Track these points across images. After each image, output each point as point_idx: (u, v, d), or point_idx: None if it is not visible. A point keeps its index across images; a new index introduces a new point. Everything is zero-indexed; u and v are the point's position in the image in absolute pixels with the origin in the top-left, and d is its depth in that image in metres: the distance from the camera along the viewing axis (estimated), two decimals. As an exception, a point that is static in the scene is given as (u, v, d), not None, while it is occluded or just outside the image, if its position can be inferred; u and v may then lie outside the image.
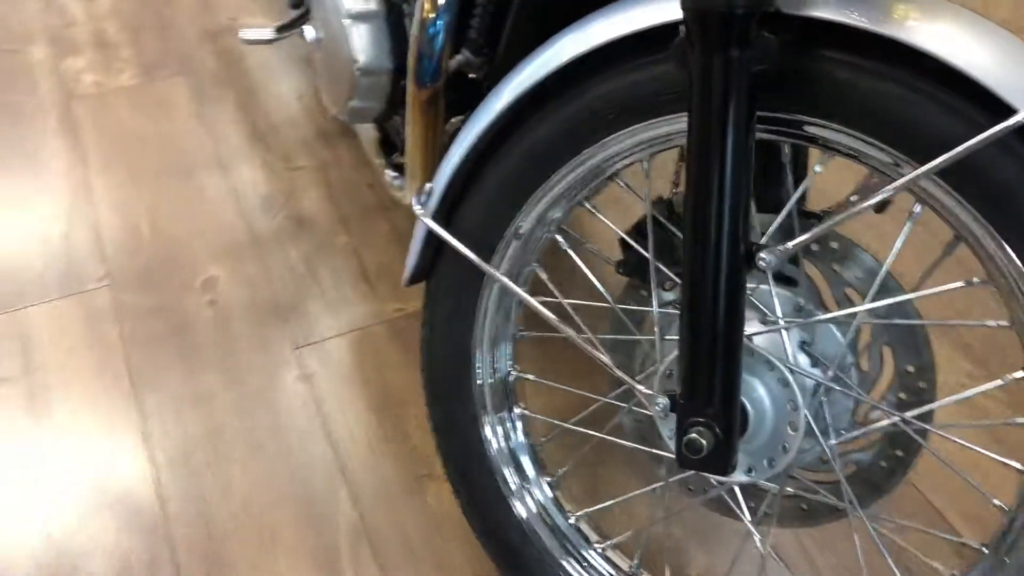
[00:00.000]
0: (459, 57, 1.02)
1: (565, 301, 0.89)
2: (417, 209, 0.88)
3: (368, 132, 1.33)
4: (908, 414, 0.76)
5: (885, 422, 0.78)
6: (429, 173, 1.03)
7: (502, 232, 0.87)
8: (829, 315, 0.79)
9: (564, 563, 0.94)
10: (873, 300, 0.77)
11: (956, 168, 0.64)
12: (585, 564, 0.95)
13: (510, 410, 0.96)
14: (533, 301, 0.83)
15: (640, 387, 0.78)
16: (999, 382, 0.72)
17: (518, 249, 0.88)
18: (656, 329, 0.84)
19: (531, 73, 0.81)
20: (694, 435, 0.72)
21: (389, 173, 1.27)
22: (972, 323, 0.73)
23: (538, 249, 0.90)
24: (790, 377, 0.76)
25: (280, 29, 1.37)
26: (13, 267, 1.45)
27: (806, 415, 0.77)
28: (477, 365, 0.93)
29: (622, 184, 0.85)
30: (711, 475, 0.82)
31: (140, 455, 1.19)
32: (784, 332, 0.79)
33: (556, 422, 0.95)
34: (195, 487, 1.15)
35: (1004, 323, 0.70)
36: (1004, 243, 0.65)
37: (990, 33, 0.64)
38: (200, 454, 1.19)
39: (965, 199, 0.66)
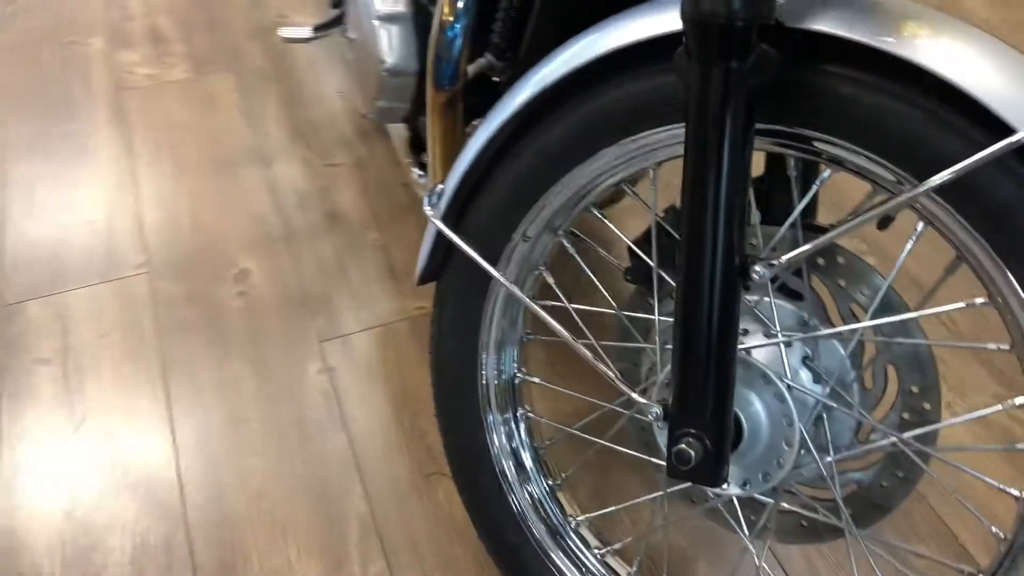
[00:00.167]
0: (481, 60, 1.03)
1: (571, 306, 0.89)
2: (427, 210, 0.89)
3: (399, 131, 1.35)
4: (906, 435, 0.75)
5: (882, 442, 0.77)
6: (447, 175, 1.04)
7: (510, 235, 0.87)
8: (828, 331, 0.78)
9: (563, 567, 0.95)
10: (874, 317, 0.76)
11: (955, 187, 0.63)
12: (584, 569, 0.95)
13: (515, 412, 0.97)
14: (534, 305, 0.83)
15: (635, 395, 0.78)
16: (999, 407, 0.70)
17: (525, 253, 0.88)
18: (657, 337, 0.84)
19: (543, 77, 0.81)
20: (683, 445, 0.72)
21: (416, 171, 1.29)
22: (972, 345, 0.72)
23: (546, 254, 0.91)
24: (786, 392, 0.76)
25: (318, 28, 1.40)
26: (57, 252, 1.51)
27: (802, 431, 0.76)
28: (483, 366, 0.94)
29: (629, 191, 0.85)
30: (701, 486, 0.82)
31: (164, 439, 1.23)
32: (783, 346, 0.78)
33: (559, 426, 0.96)
34: (214, 473, 1.19)
35: (1004, 346, 0.68)
36: (1002, 264, 0.64)
37: (994, 50, 0.62)
38: (221, 441, 1.22)
39: (964, 218, 0.65)
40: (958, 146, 0.63)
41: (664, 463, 0.86)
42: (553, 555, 0.94)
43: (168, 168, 1.67)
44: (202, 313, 1.40)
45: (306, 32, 1.42)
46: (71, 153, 1.72)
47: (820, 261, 0.81)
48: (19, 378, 1.31)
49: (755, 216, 0.83)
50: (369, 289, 1.44)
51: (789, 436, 0.77)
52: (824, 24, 0.65)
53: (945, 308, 0.71)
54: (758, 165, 0.84)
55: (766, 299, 0.81)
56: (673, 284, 0.84)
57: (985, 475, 0.76)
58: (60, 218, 1.57)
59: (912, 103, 0.64)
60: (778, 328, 0.79)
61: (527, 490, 0.96)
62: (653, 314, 0.90)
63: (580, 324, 0.88)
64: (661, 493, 0.89)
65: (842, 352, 0.80)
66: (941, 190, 0.64)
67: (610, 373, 0.81)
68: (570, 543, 0.95)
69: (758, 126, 0.71)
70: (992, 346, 0.69)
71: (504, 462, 0.95)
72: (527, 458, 0.97)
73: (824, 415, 0.80)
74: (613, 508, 0.96)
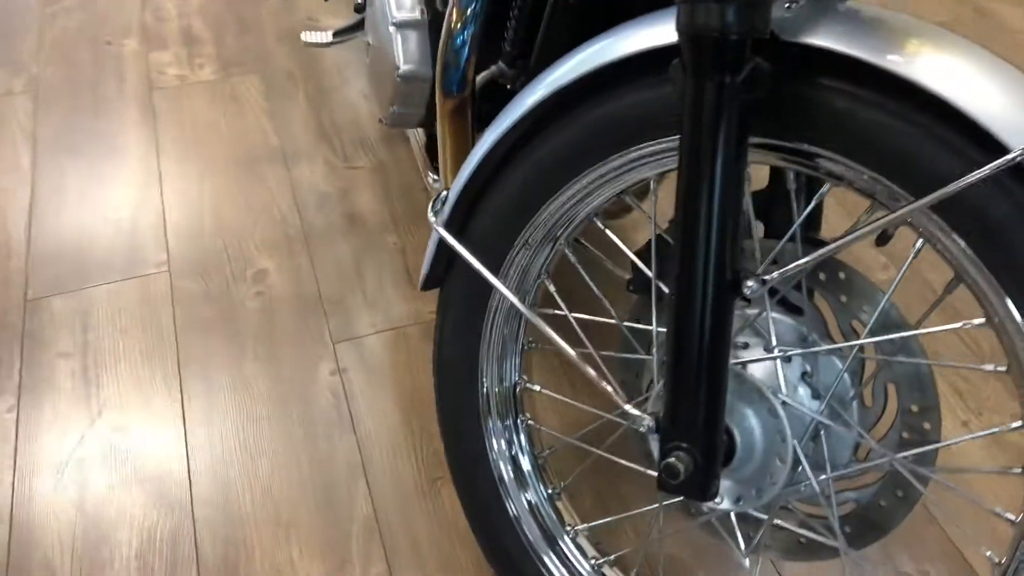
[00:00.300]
0: (493, 68, 1.04)
1: (572, 316, 0.89)
2: (431, 216, 0.89)
3: (417, 136, 1.36)
4: (900, 455, 0.74)
5: (878, 461, 0.75)
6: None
7: (512, 243, 0.87)
8: (824, 347, 0.77)
9: (557, 575, 0.95)
10: (873, 334, 0.75)
11: (951, 205, 0.63)
12: (580, 578, 0.95)
13: (515, 419, 0.97)
14: (531, 313, 0.83)
15: (628, 406, 0.78)
16: (995, 430, 0.69)
17: (527, 261, 0.89)
18: (655, 350, 0.84)
19: (545, 87, 0.81)
20: (672, 459, 0.71)
21: (431, 176, 1.29)
22: (969, 366, 0.71)
23: (550, 262, 0.91)
24: (779, 408, 0.75)
25: (338, 33, 1.41)
26: (82, 248, 1.54)
27: (795, 448, 0.75)
28: (484, 373, 0.94)
29: (631, 202, 0.85)
30: (691, 500, 0.81)
31: (177, 435, 1.25)
32: (780, 361, 0.78)
33: (557, 435, 0.95)
34: (223, 470, 1.20)
35: (1001, 368, 0.67)
36: (997, 284, 0.63)
37: (992, 68, 0.62)
38: (232, 438, 1.24)
39: (960, 237, 0.64)
40: (954, 164, 0.62)
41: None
42: (548, 563, 0.94)
43: (193, 167, 1.70)
44: (219, 312, 1.42)
45: (326, 37, 1.43)
46: (101, 151, 1.75)
47: (821, 276, 0.80)
48: (40, 371, 1.34)
49: (758, 229, 0.83)
50: (384, 292, 1.45)
51: (783, 452, 0.76)
52: (820, 39, 0.64)
53: (942, 328, 0.70)
54: (762, 178, 0.84)
55: (766, 313, 0.80)
56: (674, 296, 0.83)
57: (994, 496, 0.75)
58: (87, 215, 1.60)
59: (908, 119, 0.63)
60: (775, 342, 0.78)
61: (525, 497, 0.96)
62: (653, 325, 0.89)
63: (580, 334, 0.87)
64: (657, 505, 0.89)
65: (840, 369, 0.79)
66: (937, 208, 0.63)
67: (603, 383, 0.80)
68: (566, 551, 0.95)
69: (757, 139, 0.70)
70: (989, 367, 0.68)
71: (503, 468, 0.96)
72: (526, 465, 0.97)
73: (823, 432, 0.79)
74: (610, 519, 0.95)
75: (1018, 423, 0.68)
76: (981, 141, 0.60)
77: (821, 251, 0.69)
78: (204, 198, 1.63)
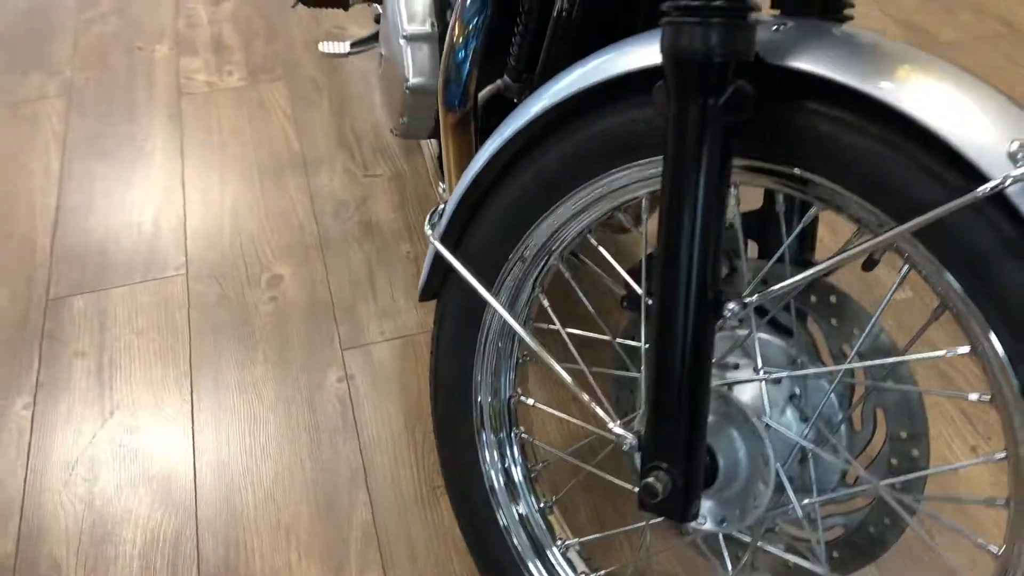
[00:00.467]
0: (499, 82, 1.04)
1: (565, 331, 0.89)
2: (427, 229, 0.90)
3: (431, 146, 1.37)
4: (884, 482, 0.73)
5: (863, 487, 0.75)
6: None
7: (506, 256, 0.88)
8: (809, 370, 0.77)
9: (546, 590, 0.95)
10: (860, 358, 0.74)
11: (933, 232, 0.62)
12: (569, 593, 0.95)
13: (509, 432, 0.97)
14: (519, 328, 0.84)
15: (612, 424, 0.78)
16: (981, 460, 0.68)
17: (521, 275, 0.89)
18: (643, 368, 0.84)
19: (540, 103, 0.82)
20: (652, 479, 0.71)
21: (442, 187, 1.30)
22: (953, 394, 0.70)
23: (544, 277, 0.91)
24: (763, 431, 0.75)
25: (355, 44, 1.43)
26: (105, 250, 1.57)
27: (778, 471, 0.75)
28: (478, 386, 0.94)
29: (623, 218, 0.85)
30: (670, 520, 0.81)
31: (185, 437, 1.27)
32: (766, 384, 0.77)
33: (549, 449, 0.96)
34: (227, 472, 1.22)
35: (985, 397, 0.66)
36: (980, 313, 0.62)
37: (976, 94, 0.61)
38: (238, 441, 1.26)
39: (944, 265, 0.63)
40: (937, 191, 0.61)
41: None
42: (536, 575, 0.95)
43: (216, 173, 1.73)
44: (233, 316, 1.44)
45: (344, 47, 1.45)
46: (128, 155, 1.79)
47: (813, 299, 0.80)
48: (57, 370, 1.37)
49: (751, 250, 0.83)
50: (395, 300, 1.46)
51: (766, 475, 0.76)
52: (804, 62, 0.64)
53: (928, 355, 0.69)
54: (757, 198, 0.83)
55: (756, 334, 0.79)
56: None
57: (995, 525, 0.74)
58: (111, 217, 1.64)
59: (890, 144, 0.63)
60: (760, 364, 0.77)
61: (516, 509, 0.96)
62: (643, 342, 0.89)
63: (572, 350, 0.88)
64: (644, 523, 0.89)
65: (828, 392, 0.78)
66: (920, 235, 0.63)
67: (589, 400, 0.80)
68: (555, 565, 0.95)
69: (743, 161, 0.70)
70: (973, 396, 0.67)
71: (494, 479, 0.96)
72: (518, 478, 0.97)
73: (810, 456, 0.79)
74: (599, 535, 0.95)
75: (1002, 454, 0.67)
76: (965, 169, 0.59)
77: (805, 274, 0.69)
78: (225, 203, 1.66)
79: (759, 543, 0.82)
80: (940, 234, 0.62)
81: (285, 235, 1.58)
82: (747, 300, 0.68)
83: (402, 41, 1.15)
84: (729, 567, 0.86)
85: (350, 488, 1.20)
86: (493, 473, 0.96)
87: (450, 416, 0.97)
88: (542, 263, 0.89)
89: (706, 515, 0.80)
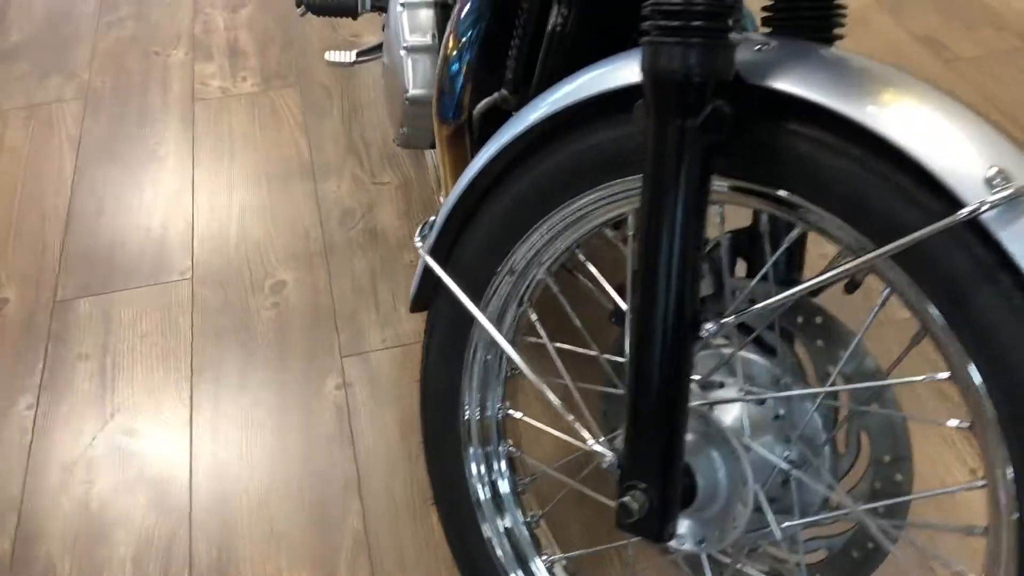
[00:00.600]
0: (496, 95, 1.04)
1: (552, 345, 0.89)
2: (417, 241, 0.91)
3: (434, 156, 1.38)
4: (864, 506, 0.72)
5: (843, 511, 0.74)
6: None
7: (495, 269, 0.88)
8: (791, 392, 0.76)
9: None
10: (844, 380, 0.73)
11: (912, 256, 0.61)
12: (553, 609, 0.95)
13: (496, 446, 0.97)
14: (503, 342, 0.84)
15: (592, 441, 0.77)
16: (962, 487, 0.67)
17: (510, 288, 0.89)
18: (628, 382, 0.83)
19: (528, 119, 0.82)
20: (628, 498, 0.71)
21: (442, 197, 1.31)
22: (934, 420, 0.69)
23: (533, 291, 0.91)
24: (742, 452, 0.74)
25: (360, 54, 1.44)
26: (113, 253, 1.59)
27: (756, 492, 0.74)
28: (465, 399, 0.94)
29: (608, 234, 0.85)
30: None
31: (183, 441, 1.28)
32: (747, 404, 0.77)
33: (535, 463, 0.95)
34: (222, 476, 1.23)
35: (965, 423, 0.65)
36: (957, 339, 0.61)
37: (956, 118, 0.60)
38: (235, 446, 1.27)
39: (922, 289, 0.62)
40: (915, 214, 0.61)
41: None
42: (522, 592, 0.94)
43: (226, 178, 1.74)
44: (235, 321, 1.45)
45: (350, 57, 1.46)
46: (140, 158, 1.81)
47: (799, 320, 0.79)
48: (61, 371, 1.38)
49: (740, 269, 0.82)
50: (397, 309, 1.46)
51: (745, 497, 0.75)
52: (783, 83, 0.64)
53: (907, 380, 0.68)
54: (746, 217, 0.83)
55: (740, 354, 0.79)
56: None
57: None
58: (121, 221, 1.66)
59: (869, 167, 0.62)
60: (743, 384, 0.77)
61: (500, 523, 0.96)
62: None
63: (559, 365, 0.87)
64: (626, 541, 0.88)
65: (812, 416, 0.77)
66: (899, 259, 0.62)
67: (571, 417, 0.80)
68: (539, 580, 0.95)
69: (729, 181, 0.70)
70: (953, 422, 0.66)
71: (480, 493, 0.96)
72: (504, 492, 0.97)
73: (791, 477, 0.78)
74: (583, 552, 0.95)
75: (981, 482, 0.66)
76: (942, 194, 0.59)
77: (785, 294, 0.68)
78: (233, 208, 1.67)
79: (739, 564, 0.82)
80: (918, 258, 0.61)
81: (291, 241, 1.59)
82: (724, 320, 0.68)
83: (403, 52, 1.15)
84: (711, 587, 0.86)
85: (343, 497, 1.20)
86: (479, 486, 0.96)
87: (438, 427, 0.97)
88: (531, 277, 0.89)
89: (685, 535, 0.79)
